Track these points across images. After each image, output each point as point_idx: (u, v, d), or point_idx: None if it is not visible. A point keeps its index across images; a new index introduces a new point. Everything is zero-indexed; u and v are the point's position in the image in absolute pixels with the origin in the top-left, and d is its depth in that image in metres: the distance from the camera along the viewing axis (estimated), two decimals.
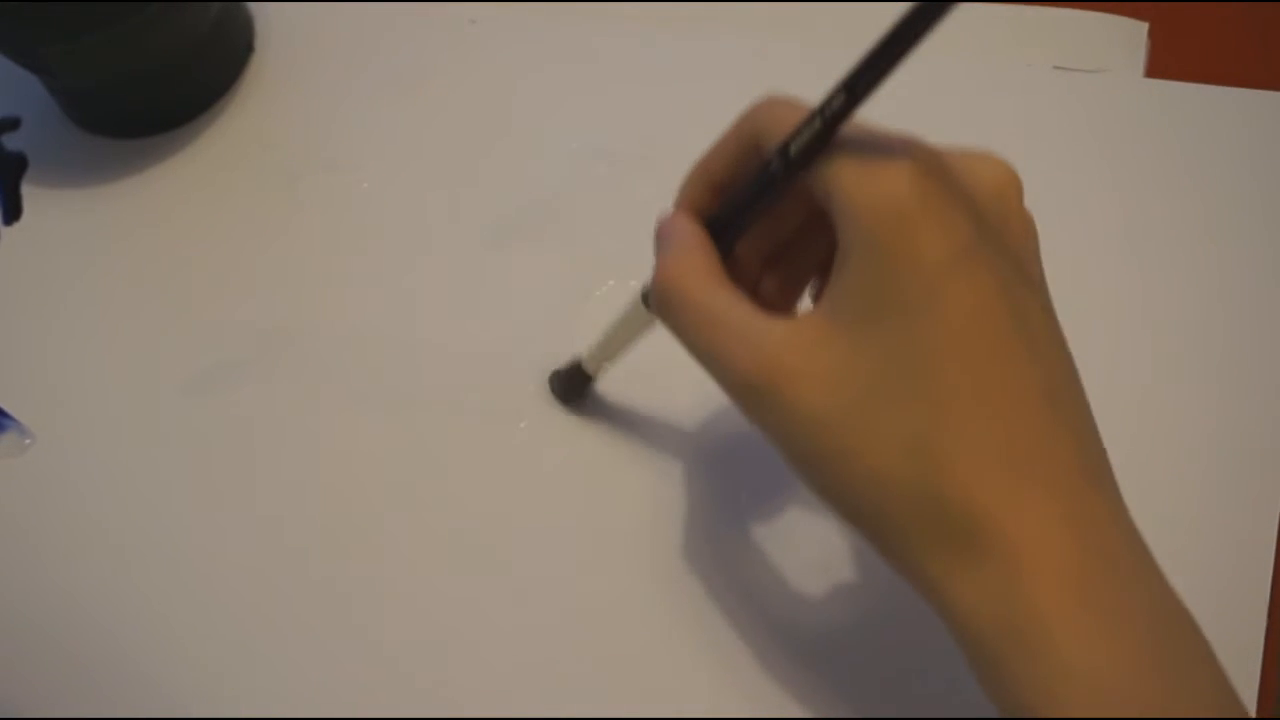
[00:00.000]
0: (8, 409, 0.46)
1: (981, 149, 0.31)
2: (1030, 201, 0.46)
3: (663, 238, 0.33)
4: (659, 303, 0.32)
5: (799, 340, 0.29)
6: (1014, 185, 0.31)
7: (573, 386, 0.43)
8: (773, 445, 0.31)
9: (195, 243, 0.49)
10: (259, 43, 0.54)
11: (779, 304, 0.35)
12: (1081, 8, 0.50)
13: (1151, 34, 0.50)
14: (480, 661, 0.40)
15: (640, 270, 0.46)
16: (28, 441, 0.45)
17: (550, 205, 0.48)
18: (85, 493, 0.44)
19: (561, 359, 0.43)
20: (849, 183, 0.28)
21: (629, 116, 0.50)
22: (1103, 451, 0.30)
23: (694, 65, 0.51)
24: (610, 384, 0.44)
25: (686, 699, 0.39)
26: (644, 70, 0.51)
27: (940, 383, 0.28)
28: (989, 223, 0.29)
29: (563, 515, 0.42)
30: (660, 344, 0.34)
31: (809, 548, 0.41)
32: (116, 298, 0.48)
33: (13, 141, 0.52)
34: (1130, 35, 0.50)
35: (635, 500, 0.42)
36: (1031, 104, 0.49)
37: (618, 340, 0.40)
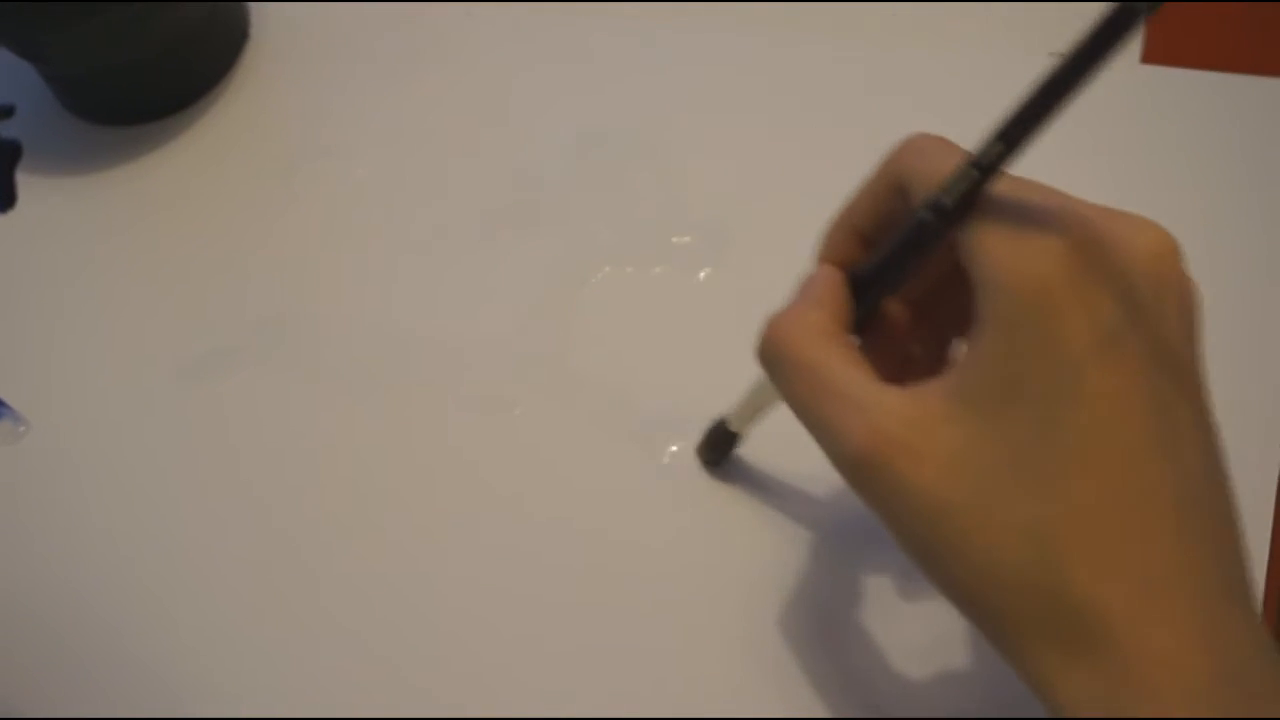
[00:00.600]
0: (2, 396, 0.46)
1: (1139, 215, 0.28)
2: None
3: (799, 290, 0.32)
4: (764, 357, 0.31)
5: (920, 416, 0.28)
6: (1171, 255, 0.28)
7: (718, 446, 0.41)
8: (882, 525, 0.29)
9: (190, 230, 0.49)
10: (254, 30, 0.54)
11: (930, 367, 0.33)
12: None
13: (1148, 20, 0.50)
14: (490, 669, 0.40)
15: (634, 257, 0.47)
16: (22, 429, 0.45)
17: (545, 193, 0.48)
18: (80, 481, 0.44)
19: (559, 348, 0.43)
20: (996, 253, 0.27)
21: (624, 106, 0.50)
22: (1241, 563, 0.28)
23: (690, 55, 0.51)
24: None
25: None
26: (640, 60, 0.51)
27: (1069, 477, 0.27)
28: (1141, 303, 0.27)
29: (565, 508, 0.42)
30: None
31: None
32: (111, 285, 0.48)
33: (7, 129, 0.52)
34: None
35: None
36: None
37: (763, 396, 0.37)
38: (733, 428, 0.40)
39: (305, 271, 0.48)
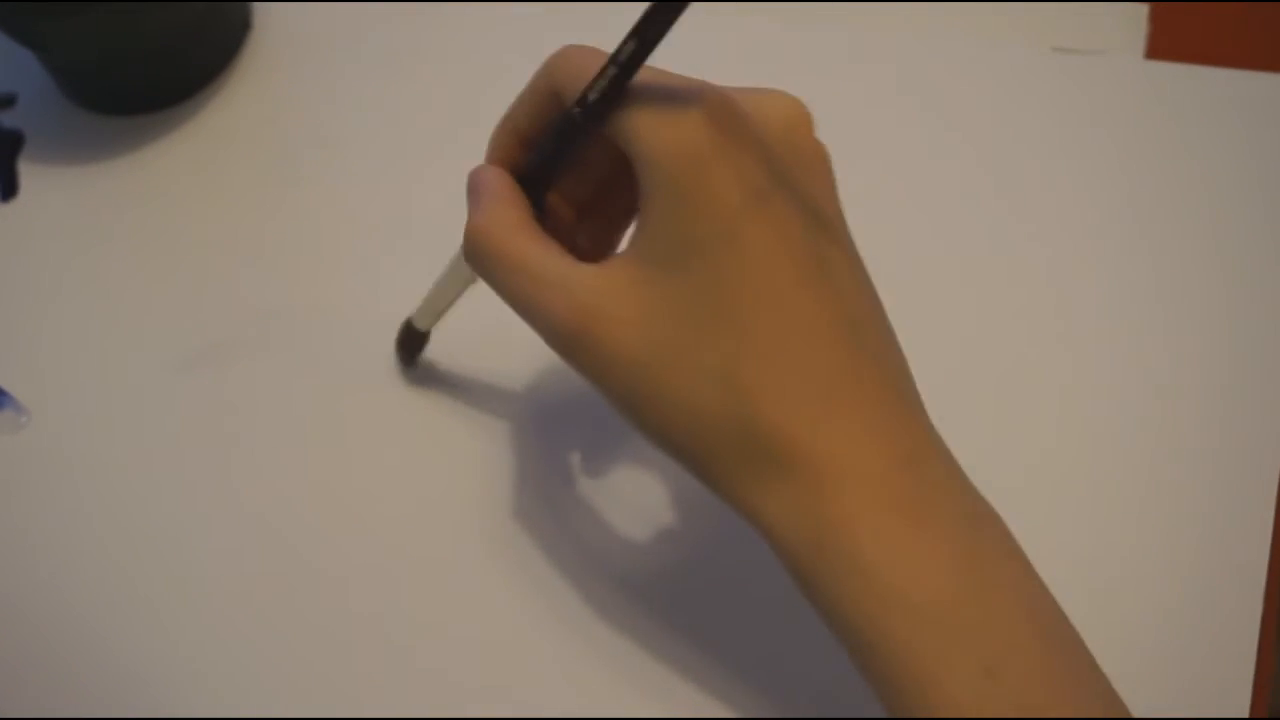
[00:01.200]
0: (3, 386, 0.46)
1: (771, 87, 0.32)
2: (1028, 182, 0.46)
3: (473, 191, 0.34)
4: (472, 255, 0.33)
5: (610, 285, 0.31)
6: (803, 120, 0.32)
7: (408, 346, 0.44)
8: (595, 390, 0.32)
9: (191, 221, 0.49)
10: (256, 21, 0.54)
11: (597, 254, 0.36)
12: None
13: (1152, 16, 0.50)
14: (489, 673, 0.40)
15: None
16: (24, 419, 0.45)
17: None
18: (76, 471, 0.44)
19: None
20: (645, 130, 0.30)
21: None
22: (907, 375, 0.32)
23: (689, 45, 0.51)
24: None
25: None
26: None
27: (742, 319, 0.30)
28: (781, 161, 0.30)
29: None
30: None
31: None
32: (112, 275, 0.48)
33: (9, 118, 0.52)
34: (1130, 17, 0.50)
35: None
36: (1031, 86, 0.49)
37: (443, 296, 0.40)
38: (420, 326, 0.43)
39: (304, 264, 0.48)
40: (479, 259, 0.33)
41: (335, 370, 0.45)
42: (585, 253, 0.35)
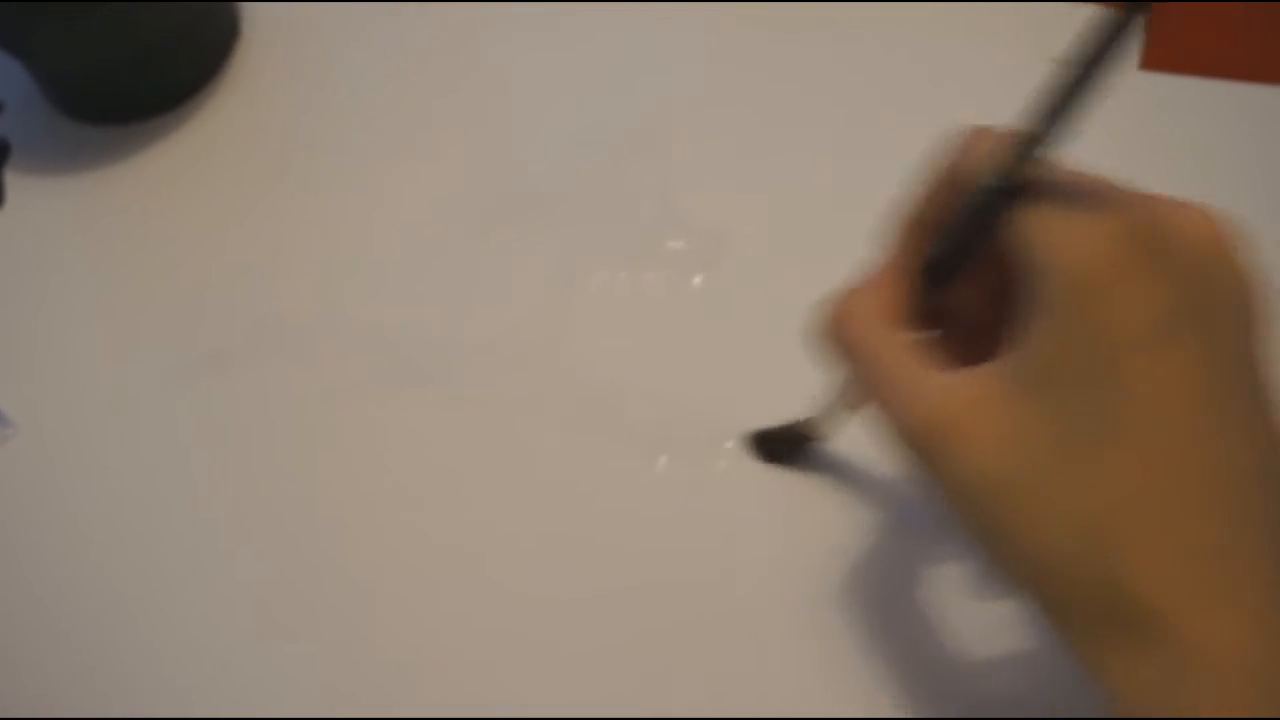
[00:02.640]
0: None
1: (1199, 203, 0.28)
2: None
3: (862, 277, 0.32)
4: (826, 337, 0.31)
5: (971, 396, 0.28)
6: (1226, 244, 0.28)
7: (785, 450, 0.42)
8: (944, 506, 0.29)
9: (181, 230, 0.49)
10: (245, 28, 0.53)
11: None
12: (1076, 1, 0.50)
13: (1146, 27, 0.50)
14: (494, 673, 0.40)
15: (627, 261, 0.46)
16: (10, 431, 0.45)
17: (544, 191, 0.48)
18: (69, 483, 0.44)
19: (554, 344, 0.43)
20: (1049, 236, 0.27)
21: (620, 106, 0.50)
22: None
23: (689, 54, 0.51)
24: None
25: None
26: (637, 59, 0.51)
27: (1118, 464, 0.26)
28: (1197, 293, 0.27)
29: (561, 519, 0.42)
30: None
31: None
32: (101, 285, 0.48)
33: None
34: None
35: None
36: (1025, 97, 0.48)
37: (845, 402, 0.37)
38: (807, 432, 0.40)
39: (296, 271, 0.47)
40: (833, 342, 0.31)
41: (329, 376, 0.45)
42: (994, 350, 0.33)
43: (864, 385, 0.30)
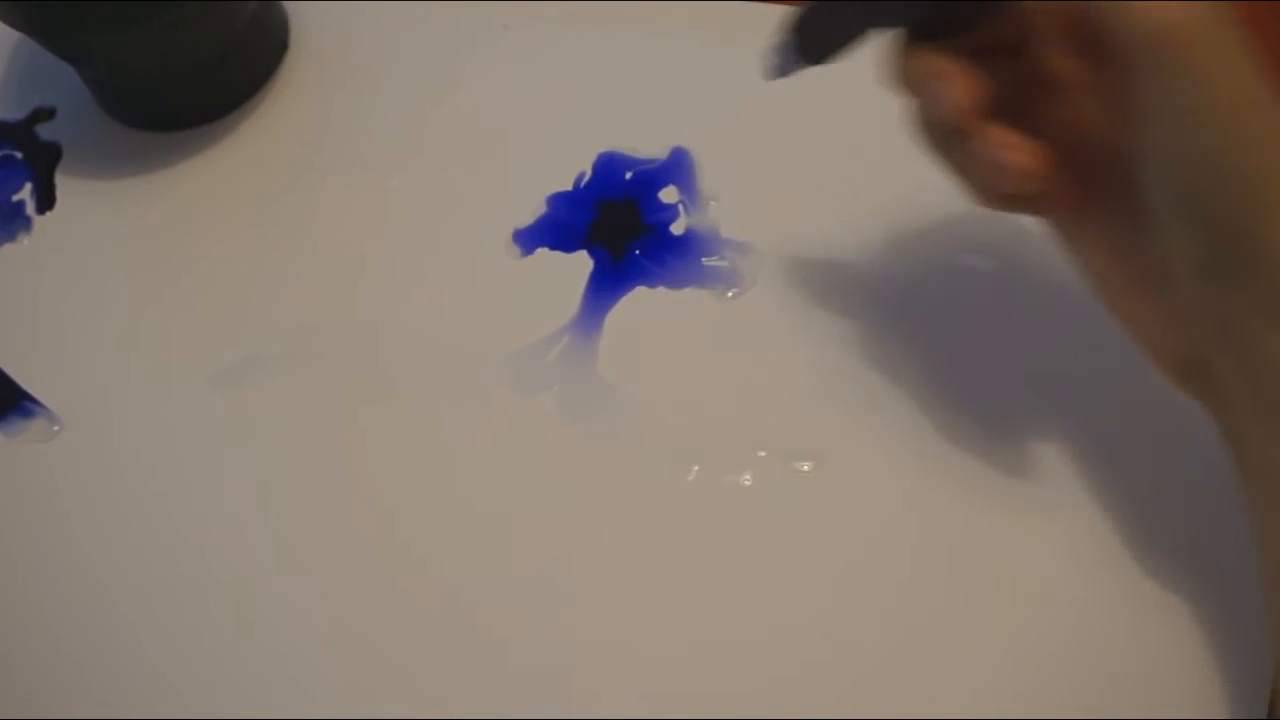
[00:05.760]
0: (37, 396, 0.46)
1: None
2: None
3: None
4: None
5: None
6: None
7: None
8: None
9: (226, 237, 0.49)
10: (294, 40, 0.54)
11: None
12: None
13: None
14: (518, 679, 0.40)
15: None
16: (56, 428, 0.46)
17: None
18: (109, 482, 0.44)
19: (588, 364, 0.43)
20: None
21: (659, 122, 0.50)
22: None
23: (728, 72, 0.51)
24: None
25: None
26: (676, 76, 0.51)
27: None
28: None
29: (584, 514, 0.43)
30: None
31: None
32: (146, 290, 0.49)
33: (47, 132, 0.53)
34: None
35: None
36: None
37: None
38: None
39: (337, 281, 0.48)
40: None
41: (368, 384, 0.45)
42: None
43: None
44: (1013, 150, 0.32)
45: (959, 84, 0.32)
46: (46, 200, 0.51)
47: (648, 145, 0.50)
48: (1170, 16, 0.28)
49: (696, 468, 0.43)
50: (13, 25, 0.47)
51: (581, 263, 0.47)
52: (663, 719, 0.39)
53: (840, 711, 0.38)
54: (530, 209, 0.49)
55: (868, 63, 0.35)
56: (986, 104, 0.32)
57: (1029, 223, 0.37)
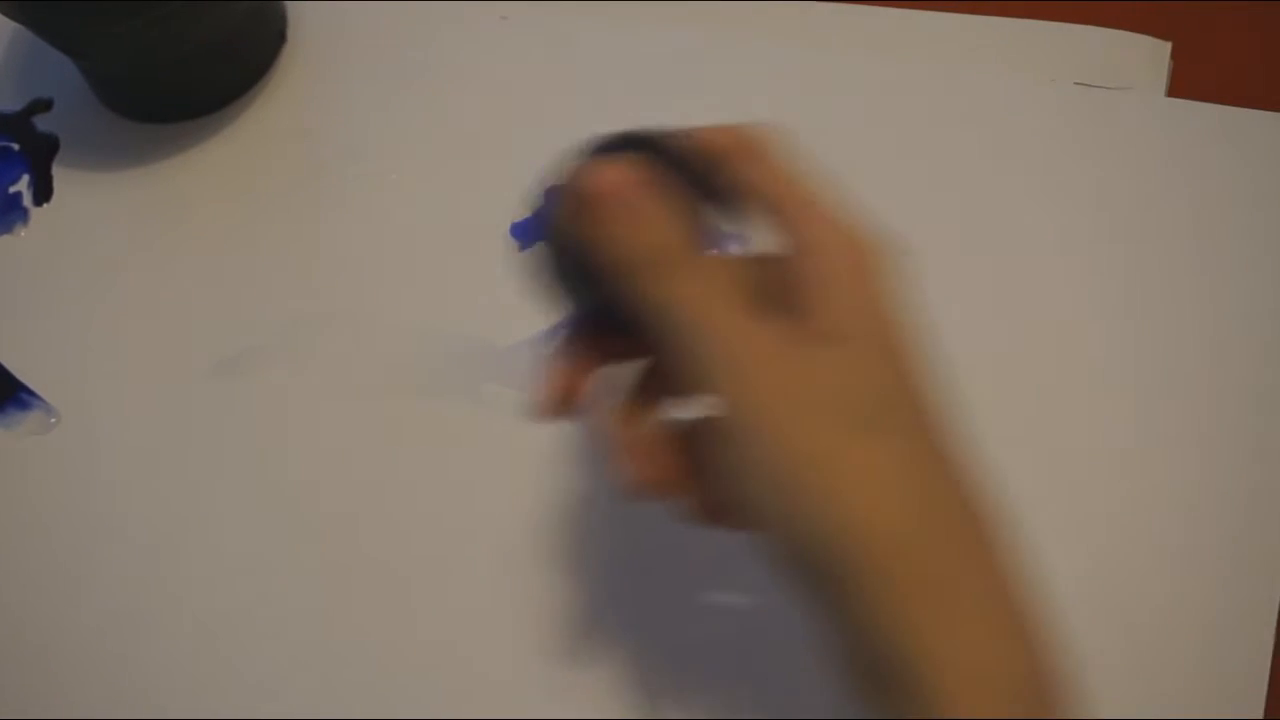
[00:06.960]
0: (34, 388, 0.46)
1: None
2: (1050, 216, 0.46)
3: None
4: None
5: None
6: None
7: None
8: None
9: (223, 229, 0.50)
10: (291, 32, 0.54)
11: None
12: (1105, 26, 0.50)
13: (1175, 54, 0.50)
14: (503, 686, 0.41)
15: None
16: (53, 420, 0.46)
17: None
18: (107, 472, 0.45)
19: None
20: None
21: (661, 116, 0.50)
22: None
23: (729, 66, 0.51)
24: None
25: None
26: (677, 70, 0.51)
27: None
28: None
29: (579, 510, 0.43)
30: None
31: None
32: (143, 281, 0.49)
33: (44, 123, 0.53)
34: (1153, 55, 0.50)
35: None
36: (1052, 120, 0.49)
37: None
38: None
39: (335, 274, 0.48)
40: None
41: (366, 376, 0.46)
42: None
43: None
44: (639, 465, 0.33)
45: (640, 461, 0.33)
46: (43, 192, 0.51)
47: None
48: None
49: None
50: (10, 17, 0.47)
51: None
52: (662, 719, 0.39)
53: None
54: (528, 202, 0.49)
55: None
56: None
57: None
